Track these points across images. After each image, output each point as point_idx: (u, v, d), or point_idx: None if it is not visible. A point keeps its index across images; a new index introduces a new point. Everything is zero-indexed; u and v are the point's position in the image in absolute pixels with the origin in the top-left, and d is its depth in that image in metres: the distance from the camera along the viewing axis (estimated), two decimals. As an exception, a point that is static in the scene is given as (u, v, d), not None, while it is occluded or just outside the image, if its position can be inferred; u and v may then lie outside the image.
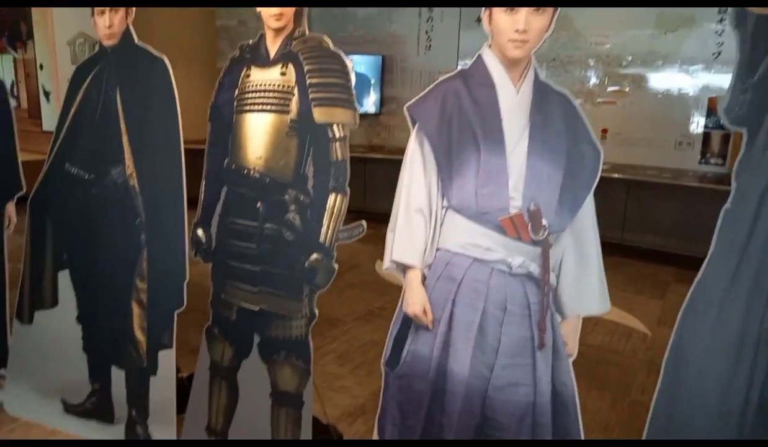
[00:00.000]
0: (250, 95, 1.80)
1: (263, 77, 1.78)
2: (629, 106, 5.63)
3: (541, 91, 1.40)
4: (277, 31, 1.75)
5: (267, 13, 1.73)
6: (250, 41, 1.85)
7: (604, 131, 5.73)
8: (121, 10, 2.02)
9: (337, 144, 1.67)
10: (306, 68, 1.70)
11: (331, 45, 1.71)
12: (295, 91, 1.72)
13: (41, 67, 6.73)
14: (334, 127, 1.67)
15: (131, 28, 2.06)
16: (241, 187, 1.83)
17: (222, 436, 1.93)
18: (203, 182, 1.96)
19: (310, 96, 1.69)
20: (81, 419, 2.19)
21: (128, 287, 2.07)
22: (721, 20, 5.15)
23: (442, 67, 6.25)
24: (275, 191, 1.76)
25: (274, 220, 1.77)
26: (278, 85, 1.75)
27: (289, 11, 1.72)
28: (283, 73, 1.74)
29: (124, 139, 2.04)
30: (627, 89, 5.66)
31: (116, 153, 2.06)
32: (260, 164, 1.78)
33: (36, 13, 6.75)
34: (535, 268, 1.38)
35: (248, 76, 1.82)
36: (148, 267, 2.04)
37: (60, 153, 2.17)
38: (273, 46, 1.77)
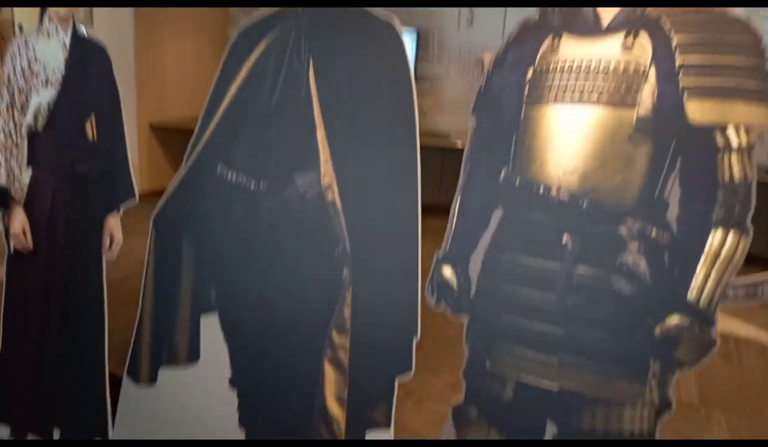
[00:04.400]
0: (558, 78, 1.22)
1: (587, 52, 1.20)
2: None
3: None
4: (617, -17, 1.17)
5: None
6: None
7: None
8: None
9: (733, 157, 1.12)
10: (675, 41, 1.13)
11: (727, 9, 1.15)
12: (651, 74, 1.15)
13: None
14: (729, 130, 1.11)
15: (334, -22, 1.43)
16: (533, 211, 1.25)
17: None
18: (457, 199, 1.37)
19: (682, 83, 1.12)
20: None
21: (318, 342, 1.46)
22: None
23: (486, 43, 5.69)
24: (600, 221, 1.20)
25: (596, 262, 1.21)
26: (617, 66, 1.17)
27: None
28: (627, 47, 1.17)
29: (320, 133, 1.41)
30: None
31: (305, 154, 1.43)
32: (573, 181, 1.21)
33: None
34: None
35: (555, 49, 1.23)
36: (352, 316, 1.44)
37: (209, 151, 1.51)
38: (607, 9, 1.19)
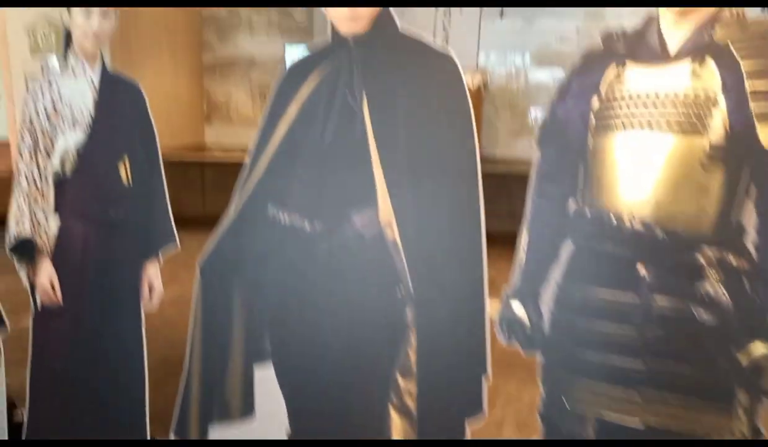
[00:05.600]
0: (626, 107, 1.22)
1: (654, 80, 1.21)
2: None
3: None
4: (683, 12, 1.18)
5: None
6: (624, 28, 1.27)
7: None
8: (371, -19, 1.36)
9: (811, 183, 1.14)
10: (745, 68, 1.14)
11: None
12: (721, 101, 1.16)
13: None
14: (805, 157, 1.13)
15: (391, 10, 1.40)
16: (605, 242, 1.25)
17: None
18: (524, 233, 1.35)
19: (753, 110, 1.14)
20: None
21: (383, 389, 1.41)
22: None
23: (461, 62, 5.77)
24: (677, 249, 1.20)
25: (674, 292, 1.21)
26: (687, 93, 1.18)
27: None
28: (695, 75, 1.18)
29: (377, 170, 1.37)
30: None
31: (362, 191, 1.39)
32: (646, 210, 1.21)
33: (-22, -7, 5.54)
34: None
35: (620, 78, 1.24)
36: (417, 358, 1.40)
37: (259, 192, 1.45)
38: (674, 34, 1.20)
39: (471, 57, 5.95)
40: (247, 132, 6.65)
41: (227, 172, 5.70)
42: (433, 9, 5.91)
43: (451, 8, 5.95)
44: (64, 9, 1.58)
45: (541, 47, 5.86)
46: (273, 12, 6.08)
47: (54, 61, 1.62)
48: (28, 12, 5.06)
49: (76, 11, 1.54)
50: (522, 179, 1.42)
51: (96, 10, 1.54)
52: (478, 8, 5.89)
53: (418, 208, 1.39)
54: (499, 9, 5.83)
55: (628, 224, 1.22)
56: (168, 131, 6.10)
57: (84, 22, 1.54)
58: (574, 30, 5.70)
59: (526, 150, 5.58)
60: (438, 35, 6.02)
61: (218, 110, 6.37)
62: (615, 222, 1.23)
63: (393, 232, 1.38)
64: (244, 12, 6.10)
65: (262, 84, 6.22)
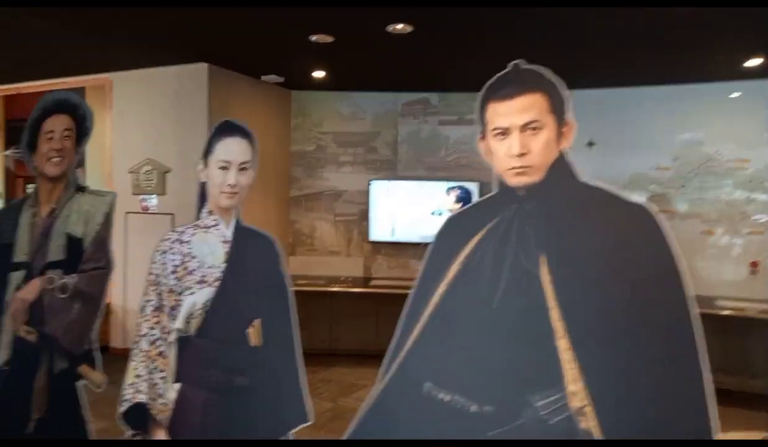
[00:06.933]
0: None
1: None
2: (780, 236, 5.02)
3: None
4: None
5: None
6: None
7: (754, 264, 5.07)
8: (546, 130, 1.20)
9: None
10: None
11: None
12: None
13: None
14: None
15: (567, 159, 1.23)
16: None
17: None
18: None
19: None
20: None
21: None
22: None
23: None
24: None
25: None
26: None
27: None
28: None
29: (561, 343, 1.13)
30: (776, 218, 5.09)
31: (542, 368, 1.14)
32: None
33: (92, 137, 6.02)
34: None
35: None
36: None
37: (413, 364, 1.23)
38: None
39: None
40: (330, 260, 6.65)
41: (310, 300, 5.61)
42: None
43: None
44: (200, 162, 1.51)
45: (636, 175, 5.65)
46: (359, 149, 6.25)
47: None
48: (135, 155, 5.40)
49: (214, 165, 1.47)
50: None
51: (235, 165, 1.46)
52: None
53: (620, 389, 1.11)
54: (586, 139, 5.74)
55: None
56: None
57: (222, 177, 1.46)
58: (671, 158, 5.50)
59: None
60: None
61: (302, 241, 6.41)
62: None
63: (588, 421, 1.10)
64: (331, 148, 6.30)
65: (347, 213, 6.29)
